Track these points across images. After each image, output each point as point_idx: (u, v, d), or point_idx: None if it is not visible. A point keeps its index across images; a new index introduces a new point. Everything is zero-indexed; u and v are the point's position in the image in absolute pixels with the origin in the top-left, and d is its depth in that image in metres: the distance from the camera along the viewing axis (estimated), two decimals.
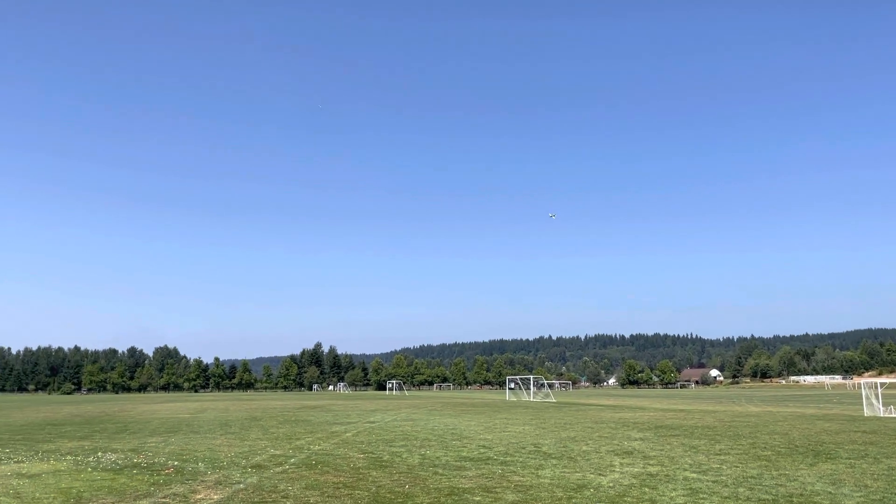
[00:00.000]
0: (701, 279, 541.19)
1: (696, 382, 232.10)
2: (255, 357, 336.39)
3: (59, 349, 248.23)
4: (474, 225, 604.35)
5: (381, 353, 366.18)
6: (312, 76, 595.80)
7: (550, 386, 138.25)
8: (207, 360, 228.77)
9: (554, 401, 68.73)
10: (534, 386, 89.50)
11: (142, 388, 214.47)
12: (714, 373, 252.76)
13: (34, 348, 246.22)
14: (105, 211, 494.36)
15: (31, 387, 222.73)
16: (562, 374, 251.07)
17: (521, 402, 66.37)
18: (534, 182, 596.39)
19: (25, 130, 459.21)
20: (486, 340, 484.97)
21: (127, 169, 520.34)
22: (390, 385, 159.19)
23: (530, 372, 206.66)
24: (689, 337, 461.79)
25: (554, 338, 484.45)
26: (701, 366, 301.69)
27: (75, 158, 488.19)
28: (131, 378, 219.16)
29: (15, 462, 17.82)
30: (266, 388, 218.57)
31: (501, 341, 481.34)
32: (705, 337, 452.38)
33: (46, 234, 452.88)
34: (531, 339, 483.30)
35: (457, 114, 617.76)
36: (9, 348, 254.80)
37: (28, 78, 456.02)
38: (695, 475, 15.05)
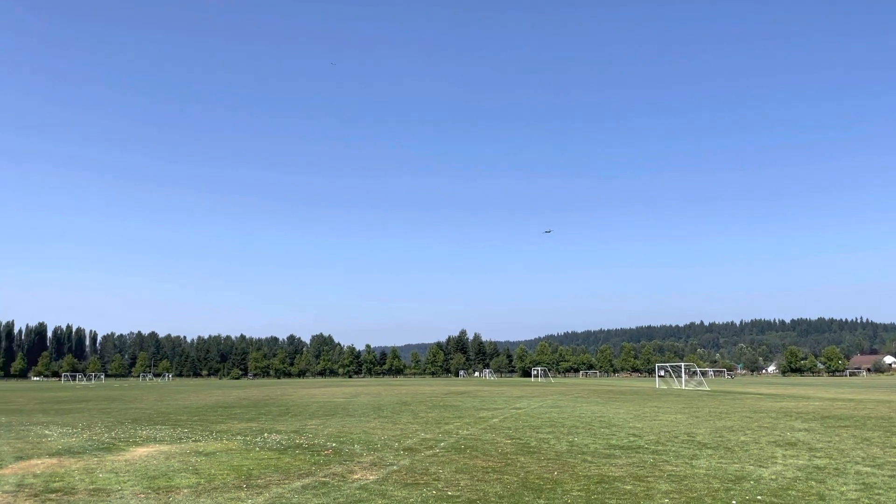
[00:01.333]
0: (869, 257, 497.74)
1: (868, 370, 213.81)
2: (403, 344, 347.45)
3: (227, 338, 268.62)
4: (618, 210, 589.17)
5: (525, 341, 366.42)
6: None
7: (703, 374, 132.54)
8: (359, 347, 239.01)
9: (707, 389, 65.82)
10: (685, 373, 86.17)
11: (301, 374, 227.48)
12: (889, 360, 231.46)
13: (206, 337, 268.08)
14: (271, 214, 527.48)
15: (204, 372, 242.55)
16: (715, 362, 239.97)
17: (671, 390, 64.14)
18: (681, 162, 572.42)
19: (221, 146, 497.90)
20: (633, 327, 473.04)
21: (282, 172, 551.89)
22: (535, 372, 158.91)
23: (681, 359, 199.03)
24: (859, 321, 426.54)
25: (706, 323, 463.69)
26: (873, 352, 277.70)
27: (245, 165, 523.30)
28: (291, 364, 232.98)
29: (193, 441, 19.48)
30: (414, 373, 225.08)
31: (649, 328, 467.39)
32: (877, 321, 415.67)
33: (229, 239, 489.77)
34: (681, 325, 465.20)
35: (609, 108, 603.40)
36: (184, 337, 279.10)
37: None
38: (868, 469, 13.91)
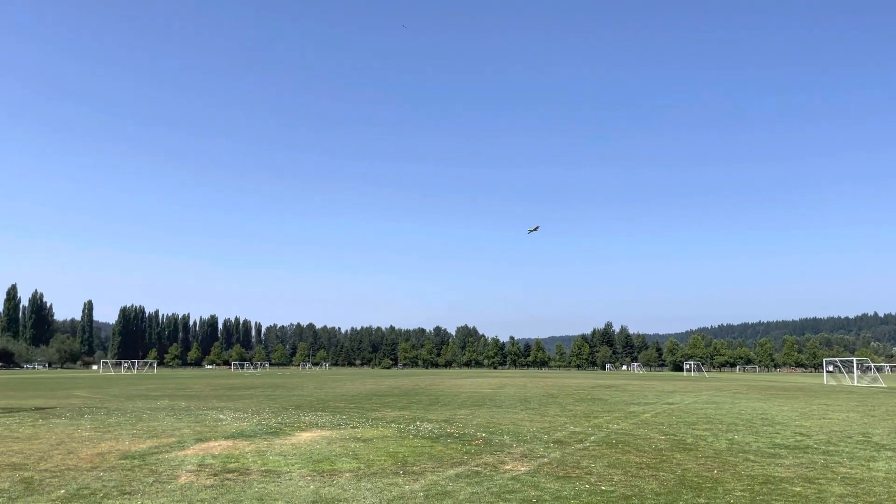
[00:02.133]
0: None
1: None
2: (546, 336, 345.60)
3: (378, 329, 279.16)
4: (778, 194, 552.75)
5: (676, 333, 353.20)
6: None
7: (878, 369, 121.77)
8: (503, 338, 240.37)
9: (884, 386, 60.44)
10: (857, 369, 79.57)
11: (447, 364, 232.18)
12: None
13: (358, 328, 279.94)
14: (417, 207, 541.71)
15: (357, 361, 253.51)
16: (892, 356, 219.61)
17: (841, 386, 59.47)
18: (861, 145, 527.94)
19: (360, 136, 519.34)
20: (796, 319, 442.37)
21: (433, 164, 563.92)
22: (688, 366, 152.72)
23: (852, 353, 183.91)
24: None
25: (881, 315, 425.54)
26: None
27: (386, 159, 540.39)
28: (438, 355, 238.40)
29: (351, 427, 20.44)
30: (559, 366, 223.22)
31: (815, 320, 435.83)
32: None
33: (373, 232, 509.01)
34: (851, 316, 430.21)
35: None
36: (338, 328, 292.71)
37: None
38: None
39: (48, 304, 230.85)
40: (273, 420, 22.94)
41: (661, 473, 12.74)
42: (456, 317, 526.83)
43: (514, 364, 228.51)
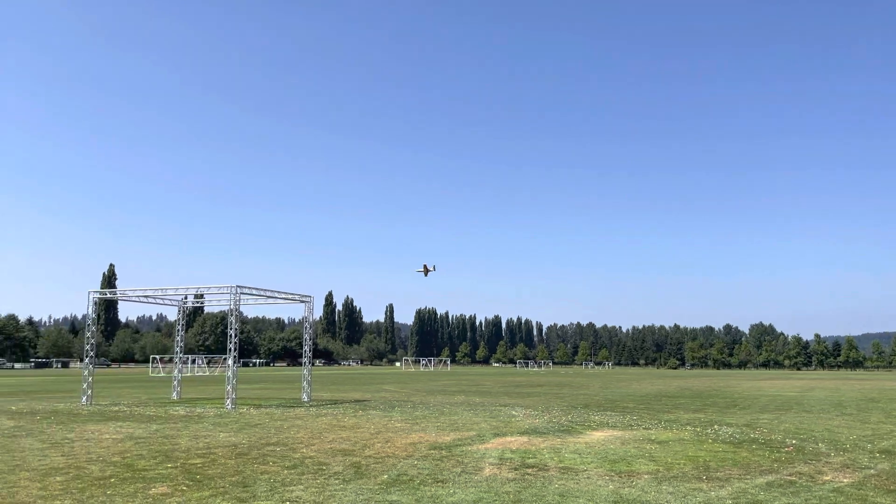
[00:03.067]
0: None
1: None
2: (860, 333, 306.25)
3: (661, 327, 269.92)
4: None
5: None
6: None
7: None
8: (806, 336, 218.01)
9: None
10: None
11: (741, 365, 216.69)
12: None
13: (640, 327, 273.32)
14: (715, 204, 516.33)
15: (641, 361, 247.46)
16: None
17: None
18: None
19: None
20: None
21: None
22: None
23: None
24: None
25: None
26: None
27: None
28: (730, 355, 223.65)
29: (644, 428, 20.00)
30: (877, 366, 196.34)
31: None
32: None
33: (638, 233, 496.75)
34: None
35: None
36: (619, 327, 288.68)
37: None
38: None
39: (358, 309, 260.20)
40: (563, 418, 23.30)
41: None
42: (748, 313, 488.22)
43: (822, 364, 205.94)
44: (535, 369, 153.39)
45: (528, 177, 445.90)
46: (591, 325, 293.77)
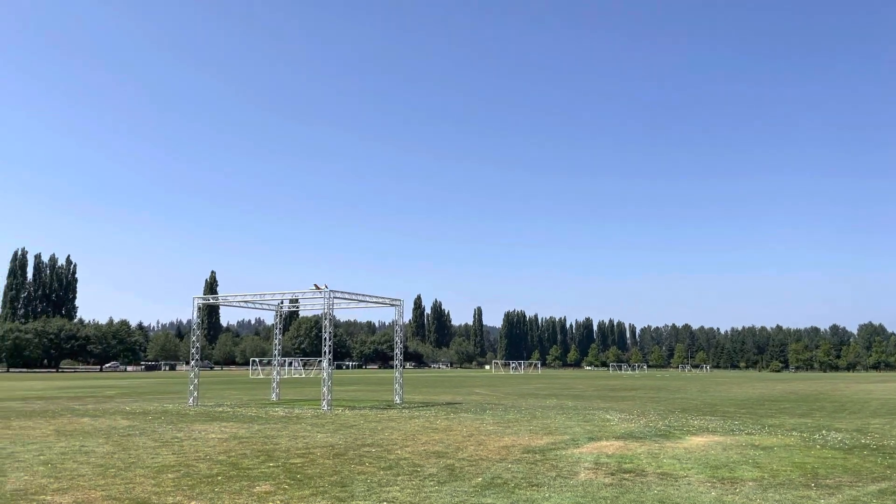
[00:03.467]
0: None
1: None
2: None
3: (763, 328, 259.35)
4: None
5: None
6: None
7: None
8: None
9: None
10: None
11: (849, 367, 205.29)
12: None
13: (739, 328, 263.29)
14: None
15: (742, 364, 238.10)
16: None
17: None
18: None
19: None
20: None
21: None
22: None
23: None
24: None
25: None
26: None
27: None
28: (837, 356, 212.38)
29: (746, 434, 19.26)
30: None
31: None
32: None
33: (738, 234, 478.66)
34: None
35: None
36: (717, 328, 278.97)
37: None
38: None
39: (446, 311, 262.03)
40: (660, 422, 22.74)
41: None
42: (858, 313, 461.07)
43: None
44: (629, 372, 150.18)
45: (615, 180, 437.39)
46: (686, 327, 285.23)
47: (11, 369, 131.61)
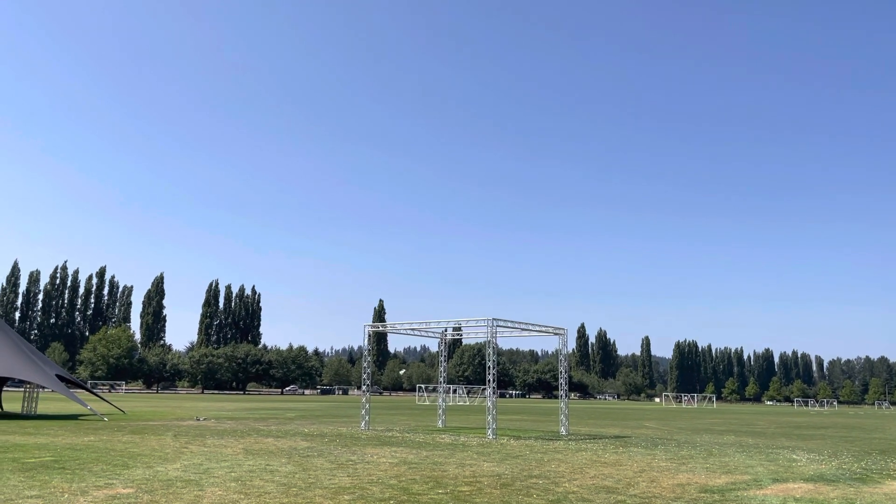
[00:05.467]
0: None
1: None
2: None
3: None
4: None
5: None
6: None
7: None
8: None
9: None
10: None
11: None
12: None
13: None
14: None
15: None
16: None
17: None
18: None
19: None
20: None
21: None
22: None
23: None
24: None
25: None
26: None
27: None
28: None
29: None
30: None
31: None
32: None
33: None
34: None
35: None
36: None
37: None
38: None
39: (612, 341, 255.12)
40: (855, 465, 20.64)
41: None
42: None
43: None
44: (817, 409, 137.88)
45: (798, 196, 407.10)
46: (883, 360, 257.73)
47: (206, 391, 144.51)
